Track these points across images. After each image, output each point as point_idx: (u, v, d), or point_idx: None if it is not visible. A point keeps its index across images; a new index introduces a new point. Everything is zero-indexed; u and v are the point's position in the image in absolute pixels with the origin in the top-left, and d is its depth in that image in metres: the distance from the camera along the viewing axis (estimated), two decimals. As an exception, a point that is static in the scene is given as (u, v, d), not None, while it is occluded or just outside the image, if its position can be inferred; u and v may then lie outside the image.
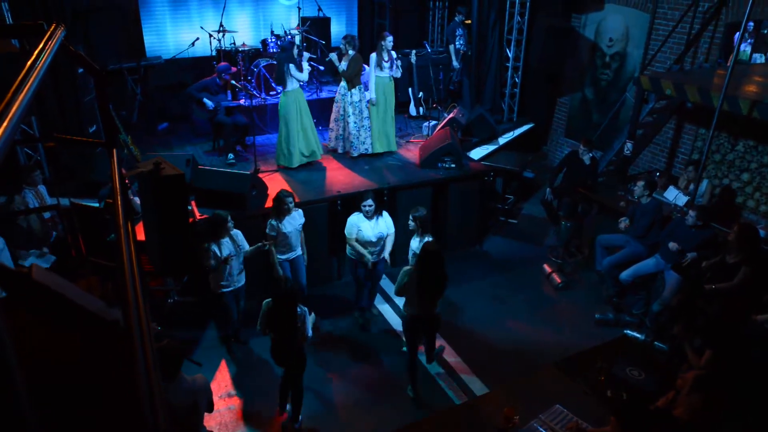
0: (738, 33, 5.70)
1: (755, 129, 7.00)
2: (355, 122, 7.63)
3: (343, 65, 7.38)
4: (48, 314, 0.81)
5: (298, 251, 5.93)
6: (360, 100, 7.58)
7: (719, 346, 4.17)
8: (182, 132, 8.98)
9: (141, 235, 3.72)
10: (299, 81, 7.16)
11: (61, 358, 0.86)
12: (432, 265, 4.72)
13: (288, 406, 5.05)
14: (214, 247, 5.28)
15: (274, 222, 5.65)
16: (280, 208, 5.61)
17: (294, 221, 5.74)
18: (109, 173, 2.05)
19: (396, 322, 6.34)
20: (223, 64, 8.05)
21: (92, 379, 0.92)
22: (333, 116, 7.79)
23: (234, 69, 8.20)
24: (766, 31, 9.14)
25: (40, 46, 1.75)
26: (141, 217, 4.68)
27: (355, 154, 7.78)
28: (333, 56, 7.51)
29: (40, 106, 6.77)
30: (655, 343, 5.90)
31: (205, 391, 3.76)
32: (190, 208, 6.16)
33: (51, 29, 1.97)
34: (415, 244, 5.55)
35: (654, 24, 7.90)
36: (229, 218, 5.35)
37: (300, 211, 5.86)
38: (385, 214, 5.94)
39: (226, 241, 5.35)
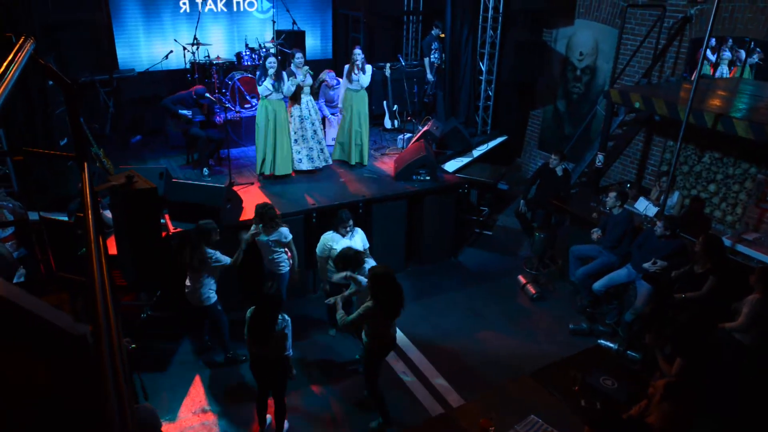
0: (704, 48, 5.88)
1: (720, 141, 7.21)
2: (295, 138, 7.60)
3: (308, 80, 7.39)
4: (7, 329, 0.79)
5: (278, 269, 5.88)
6: (299, 115, 7.53)
7: (689, 354, 4.25)
8: (156, 145, 8.88)
9: (113, 250, 3.67)
10: (261, 93, 7.07)
11: (24, 376, 0.84)
12: (393, 286, 4.51)
13: (268, 418, 4.99)
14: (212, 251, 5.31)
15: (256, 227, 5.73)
16: (257, 220, 5.68)
17: (268, 236, 5.72)
18: (81, 187, 2.02)
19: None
20: (200, 87, 7.95)
21: (58, 398, 0.91)
22: (310, 134, 7.69)
23: (210, 97, 8.12)
24: (728, 47, 9.45)
25: (9, 58, 1.73)
26: (113, 231, 4.62)
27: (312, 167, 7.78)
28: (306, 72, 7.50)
29: (9, 119, 6.64)
30: (628, 352, 5.99)
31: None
32: (163, 221, 6.09)
33: (20, 42, 1.96)
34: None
35: (622, 39, 8.11)
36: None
37: (281, 230, 5.73)
38: (358, 229, 5.91)
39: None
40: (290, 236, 5.78)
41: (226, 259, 5.41)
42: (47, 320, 0.77)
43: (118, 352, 1.26)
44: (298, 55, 7.40)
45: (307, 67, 7.44)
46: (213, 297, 5.48)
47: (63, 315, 0.84)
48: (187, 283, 5.48)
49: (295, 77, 7.23)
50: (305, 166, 7.65)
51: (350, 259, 5.25)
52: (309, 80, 7.42)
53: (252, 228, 5.79)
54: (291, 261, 5.95)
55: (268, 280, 5.82)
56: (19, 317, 0.77)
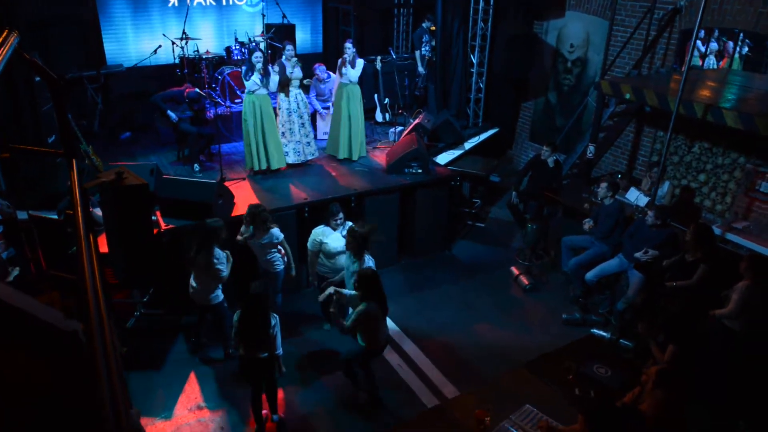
0: (693, 39, 5.90)
1: (709, 132, 7.25)
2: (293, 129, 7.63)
3: (297, 72, 7.35)
4: (2, 326, 0.79)
5: (273, 268, 5.84)
6: (287, 108, 7.53)
7: (681, 342, 4.29)
8: (146, 141, 8.81)
9: (104, 247, 3.64)
10: (249, 88, 7.06)
11: (16, 373, 0.84)
12: (379, 288, 4.76)
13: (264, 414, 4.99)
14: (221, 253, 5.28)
15: (246, 228, 5.70)
16: (248, 221, 5.64)
17: (260, 239, 5.68)
18: (70, 184, 2.00)
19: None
20: (194, 91, 7.86)
21: (52, 395, 0.90)
22: (297, 127, 7.64)
23: (202, 92, 8.04)
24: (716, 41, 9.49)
25: (-6, 54, 1.71)
26: (103, 229, 4.57)
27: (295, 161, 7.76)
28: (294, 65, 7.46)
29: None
30: (621, 340, 6.04)
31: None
32: (155, 218, 6.05)
33: (3, 35, 1.93)
34: (353, 266, 5.35)
35: (612, 30, 8.12)
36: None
37: (272, 232, 5.67)
38: (349, 224, 5.83)
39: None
40: (281, 236, 5.72)
41: (226, 272, 5.33)
42: (37, 317, 0.76)
43: (111, 351, 1.25)
44: (289, 47, 7.35)
45: (295, 59, 7.38)
46: (220, 296, 5.46)
47: (53, 311, 0.83)
48: (193, 282, 5.42)
49: (285, 70, 7.20)
50: (291, 159, 7.62)
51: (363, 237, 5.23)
52: (298, 73, 7.37)
53: (242, 229, 5.74)
54: (285, 259, 5.92)
55: (257, 279, 5.79)
56: (8, 314, 0.77)
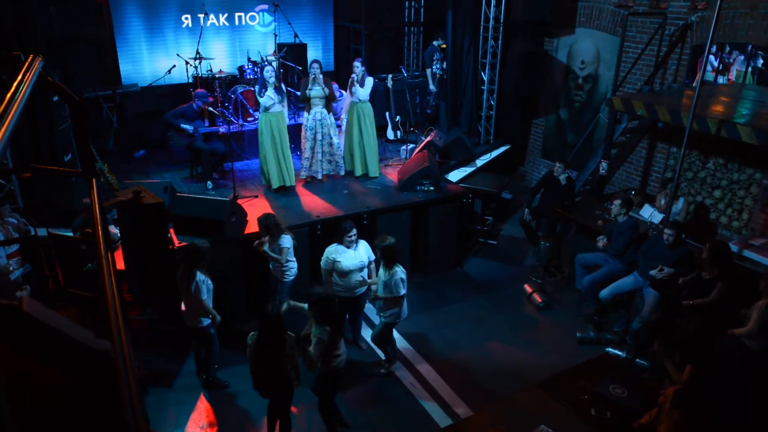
0: (706, 54, 5.89)
1: (724, 147, 7.20)
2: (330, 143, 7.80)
3: (323, 89, 7.42)
4: (38, 346, 0.80)
5: (282, 277, 5.88)
6: (304, 125, 7.68)
7: (698, 361, 4.22)
8: (159, 159, 8.91)
9: (120, 264, 3.67)
10: (264, 104, 7.20)
11: (49, 390, 0.84)
12: (335, 313, 4.59)
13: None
14: (202, 277, 5.21)
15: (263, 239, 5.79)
16: (264, 230, 5.72)
17: (269, 245, 5.76)
18: (85, 202, 2.03)
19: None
20: (200, 90, 8.03)
21: (79, 411, 0.91)
22: (309, 144, 7.69)
23: (210, 98, 8.18)
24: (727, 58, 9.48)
25: (19, 78, 1.75)
26: (117, 247, 4.60)
27: (319, 176, 7.86)
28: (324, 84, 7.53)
29: (14, 135, 6.66)
30: (637, 360, 5.95)
31: None
32: (168, 235, 6.09)
33: (29, 60, 1.97)
34: (384, 275, 5.37)
35: (623, 47, 8.14)
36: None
37: (280, 238, 5.73)
38: (362, 241, 5.81)
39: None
40: (286, 245, 5.73)
41: (207, 303, 5.19)
42: (73, 338, 0.77)
43: (131, 369, 1.26)
44: (314, 66, 7.45)
45: (312, 77, 7.42)
46: (205, 320, 5.32)
47: (85, 332, 0.84)
48: (182, 305, 5.38)
49: (304, 87, 7.41)
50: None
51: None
52: (316, 92, 7.39)
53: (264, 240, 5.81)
54: (286, 267, 5.94)
55: (270, 300, 5.76)
56: (47, 335, 0.77)
